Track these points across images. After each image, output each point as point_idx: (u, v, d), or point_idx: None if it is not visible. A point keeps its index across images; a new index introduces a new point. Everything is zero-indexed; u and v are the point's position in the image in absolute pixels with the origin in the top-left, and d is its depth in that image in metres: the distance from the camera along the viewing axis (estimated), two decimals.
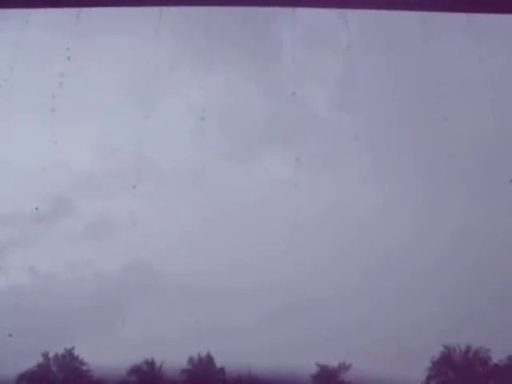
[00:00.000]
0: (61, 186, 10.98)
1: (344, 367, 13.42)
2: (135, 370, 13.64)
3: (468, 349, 13.21)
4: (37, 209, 9.17)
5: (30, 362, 12.71)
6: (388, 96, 11.19)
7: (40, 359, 13.56)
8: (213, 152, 10.54)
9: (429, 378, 13.11)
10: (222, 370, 13.59)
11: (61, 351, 13.82)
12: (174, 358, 11.86)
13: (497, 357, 12.59)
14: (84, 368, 14.03)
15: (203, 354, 13.42)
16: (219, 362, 13.19)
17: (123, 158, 11.05)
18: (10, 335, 9.46)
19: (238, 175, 11.38)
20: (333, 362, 12.94)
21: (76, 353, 13.99)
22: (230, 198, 10.69)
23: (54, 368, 14.18)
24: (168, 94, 11.37)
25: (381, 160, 10.63)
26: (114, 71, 10.58)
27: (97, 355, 11.46)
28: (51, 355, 13.88)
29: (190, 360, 13.42)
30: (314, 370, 12.64)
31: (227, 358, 12.12)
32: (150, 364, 13.76)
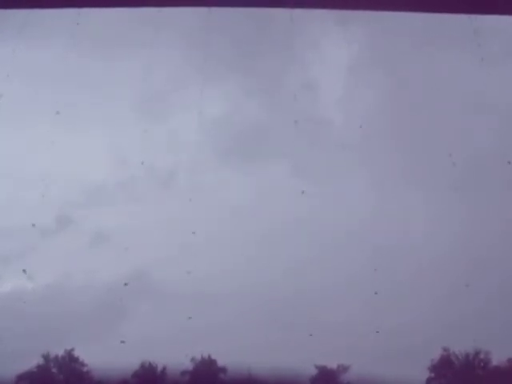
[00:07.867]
0: (64, 197, 11.11)
1: (343, 368, 13.31)
2: (137, 372, 13.64)
3: (468, 351, 13.19)
4: (34, 225, 9.20)
5: (29, 364, 12.73)
6: (388, 101, 11.27)
7: (40, 361, 13.55)
8: (213, 161, 10.69)
9: (429, 380, 13.07)
10: (222, 370, 13.58)
11: (61, 353, 13.80)
12: (175, 359, 11.94)
13: (497, 358, 12.61)
14: (84, 369, 14.01)
15: (204, 355, 13.42)
16: (219, 363, 13.20)
17: (126, 168, 11.18)
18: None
19: (237, 184, 11.51)
20: (331, 363, 12.89)
21: (76, 354, 13.98)
22: (229, 205, 10.79)
23: (53, 369, 14.16)
24: (171, 105, 11.49)
25: (380, 165, 10.70)
26: (113, 80, 10.65)
27: (98, 357, 11.52)
28: (51, 357, 13.86)
29: (192, 360, 13.41)
30: (312, 371, 12.60)
31: (227, 359, 12.18)
32: (152, 366, 13.76)
